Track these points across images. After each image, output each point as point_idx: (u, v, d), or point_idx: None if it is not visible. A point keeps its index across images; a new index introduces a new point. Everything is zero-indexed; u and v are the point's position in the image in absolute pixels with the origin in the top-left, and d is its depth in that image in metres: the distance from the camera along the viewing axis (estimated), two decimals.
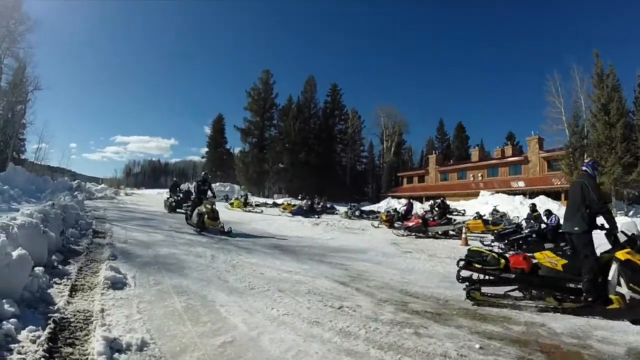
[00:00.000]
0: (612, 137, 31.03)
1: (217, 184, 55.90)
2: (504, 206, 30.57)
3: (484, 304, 5.63)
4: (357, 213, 27.68)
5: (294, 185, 59.51)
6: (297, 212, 27.38)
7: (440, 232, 16.28)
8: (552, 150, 39.84)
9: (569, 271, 5.47)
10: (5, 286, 3.92)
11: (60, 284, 5.22)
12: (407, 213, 19.76)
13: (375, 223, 21.47)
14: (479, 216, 20.98)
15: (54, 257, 6.42)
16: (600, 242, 5.49)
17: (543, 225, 12.65)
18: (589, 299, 5.13)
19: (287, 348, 3.74)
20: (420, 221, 16.43)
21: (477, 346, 4.04)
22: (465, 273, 5.97)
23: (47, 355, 3.13)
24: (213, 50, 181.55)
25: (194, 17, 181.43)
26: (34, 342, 3.29)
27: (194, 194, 15.04)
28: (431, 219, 16.58)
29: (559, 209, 29.33)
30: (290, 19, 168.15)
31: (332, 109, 70.85)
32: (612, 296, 5.02)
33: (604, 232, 5.43)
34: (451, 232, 16.40)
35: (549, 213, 13.06)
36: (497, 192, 40.43)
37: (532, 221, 14.19)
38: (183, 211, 20.26)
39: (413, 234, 16.27)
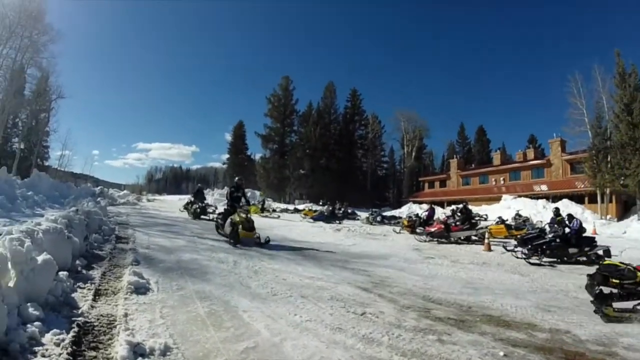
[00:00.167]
0: (636, 138, 30.15)
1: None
2: (527, 210, 30.06)
3: (614, 320, 5.39)
4: (378, 218, 27.47)
5: (314, 191, 59.50)
6: (319, 217, 27.19)
7: (462, 238, 16.08)
8: (575, 153, 38.93)
9: None
10: (31, 290, 3.97)
11: (84, 288, 5.26)
12: (429, 218, 19.60)
13: (397, 229, 21.25)
14: (501, 221, 20.66)
15: (77, 262, 6.48)
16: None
17: (567, 230, 12.40)
18: None
19: (310, 354, 3.70)
20: (443, 226, 16.25)
21: (501, 354, 3.98)
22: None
23: (71, 358, 3.15)
24: (233, 57, 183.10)
25: (213, 25, 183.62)
26: (58, 345, 3.32)
27: (226, 201, 13.41)
28: (453, 224, 16.39)
29: (583, 213, 28.97)
30: (310, 25, 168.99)
31: (352, 114, 70.80)
32: None
33: None
34: (473, 238, 16.20)
35: (570, 217, 12.81)
36: (520, 196, 39.79)
37: (555, 226, 13.92)
38: (208, 218, 20.46)
39: (435, 239, 16.12)
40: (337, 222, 26.31)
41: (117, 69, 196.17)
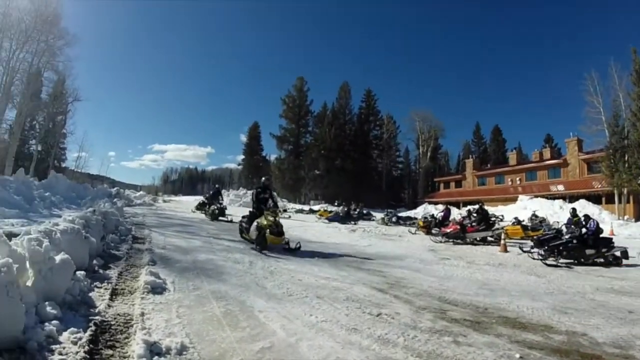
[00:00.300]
0: None
1: (253, 190, 56.39)
2: (543, 211, 29.75)
3: None
4: (393, 219, 27.44)
5: (329, 191, 59.66)
6: (334, 218, 27.20)
7: (478, 239, 15.97)
8: (592, 152, 38.42)
9: None
10: (48, 289, 4.01)
11: (101, 287, 5.30)
12: (445, 219, 19.49)
13: (413, 229, 21.19)
14: (517, 222, 20.48)
15: (95, 261, 6.54)
16: None
17: (584, 231, 12.24)
18: None
19: (326, 355, 3.69)
20: (458, 227, 16.16)
21: (517, 356, 3.93)
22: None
23: (88, 356, 3.17)
24: (247, 58, 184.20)
25: (228, 26, 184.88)
26: (75, 343, 3.34)
27: (253, 203, 12.15)
28: (469, 225, 16.28)
29: (600, 213, 28.62)
30: (325, 25, 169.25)
31: (367, 114, 70.88)
32: None
33: None
34: (489, 239, 16.08)
35: (587, 218, 12.66)
36: (536, 196, 39.45)
37: (572, 226, 13.76)
38: (226, 219, 20.43)
39: (451, 240, 16.05)
40: (352, 222, 26.34)
41: (133, 71, 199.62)
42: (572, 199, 36.16)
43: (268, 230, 10.60)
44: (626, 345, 4.37)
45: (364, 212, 32.60)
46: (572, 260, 11.33)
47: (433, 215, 22.21)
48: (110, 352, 3.38)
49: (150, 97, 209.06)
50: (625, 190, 31.72)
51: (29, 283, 3.88)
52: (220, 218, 20.82)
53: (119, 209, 17.14)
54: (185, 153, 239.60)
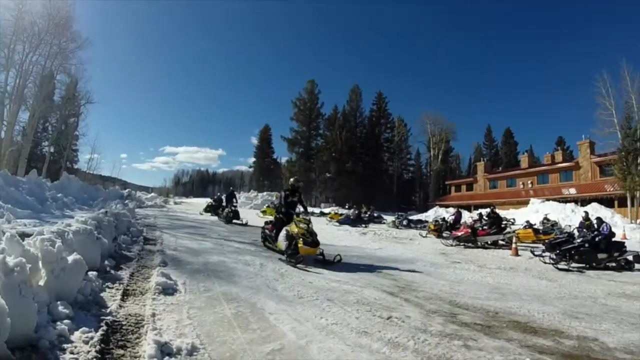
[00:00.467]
0: None
1: (264, 193, 56.62)
2: (555, 214, 29.50)
3: None
4: (404, 222, 27.32)
5: (340, 194, 59.62)
6: (345, 221, 27.14)
7: (489, 242, 15.91)
8: (604, 155, 38.13)
9: None
10: (61, 289, 4.03)
11: (113, 288, 5.33)
12: (456, 222, 19.47)
13: (423, 232, 21.16)
14: (529, 225, 20.41)
15: (106, 262, 6.56)
16: None
17: (596, 234, 12.11)
18: None
19: (336, 357, 3.68)
20: (469, 231, 16.10)
21: None
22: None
23: (99, 356, 3.18)
24: (258, 61, 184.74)
25: (238, 27, 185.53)
26: (86, 342, 3.36)
27: (281, 207, 11.07)
28: (480, 229, 16.20)
29: (612, 217, 28.32)
30: (334, 27, 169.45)
31: (378, 117, 70.88)
32: None
33: None
34: (501, 242, 16.01)
35: (599, 221, 12.52)
36: (548, 199, 39.05)
37: (584, 230, 13.65)
38: (240, 222, 20.17)
39: (462, 243, 15.96)
40: (363, 225, 26.31)
41: (145, 74, 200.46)
42: (584, 202, 35.82)
43: (301, 239, 9.28)
44: (637, 351, 4.33)
45: (375, 215, 32.58)
46: (583, 265, 11.24)
47: (444, 218, 22.19)
48: (121, 351, 3.40)
49: (161, 99, 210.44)
50: (637, 194, 31.46)
51: (41, 283, 3.92)
52: (235, 221, 20.56)
53: (131, 210, 17.26)
54: (197, 155, 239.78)
